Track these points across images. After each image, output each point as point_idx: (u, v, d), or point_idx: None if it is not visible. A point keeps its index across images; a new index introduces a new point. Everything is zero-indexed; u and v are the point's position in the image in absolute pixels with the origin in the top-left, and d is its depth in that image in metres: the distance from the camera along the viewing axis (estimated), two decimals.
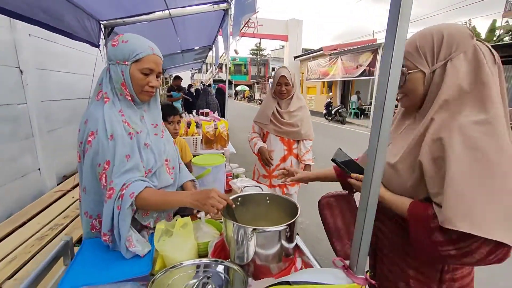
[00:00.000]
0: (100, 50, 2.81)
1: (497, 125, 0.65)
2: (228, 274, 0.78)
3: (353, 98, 13.42)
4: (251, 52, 36.22)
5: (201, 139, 2.79)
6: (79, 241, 1.90)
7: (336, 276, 0.68)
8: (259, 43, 34.46)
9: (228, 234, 0.84)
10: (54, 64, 3.23)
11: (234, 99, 34.99)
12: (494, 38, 21.13)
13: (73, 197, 2.75)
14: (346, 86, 14.87)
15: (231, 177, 1.73)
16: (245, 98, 32.28)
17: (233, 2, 3.14)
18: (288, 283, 0.69)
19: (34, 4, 1.76)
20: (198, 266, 0.81)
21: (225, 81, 4.56)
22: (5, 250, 1.85)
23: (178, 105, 7.24)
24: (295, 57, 17.65)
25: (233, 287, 0.74)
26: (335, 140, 7.93)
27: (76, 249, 0.96)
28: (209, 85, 9.80)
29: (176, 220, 0.89)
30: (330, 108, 12.79)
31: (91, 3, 2.39)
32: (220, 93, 7.16)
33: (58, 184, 3.12)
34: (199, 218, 1.06)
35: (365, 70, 10.94)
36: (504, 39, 19.47)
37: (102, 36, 2.86)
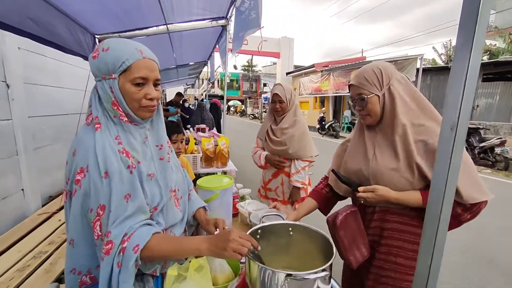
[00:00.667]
0: None
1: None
2: None
3: (347, 113, 13.65)
4: (243, 68, 36.75)
5: (201, 157, 2.63)
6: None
7: None
8: (251, 60, 35.11)
9: (252, 277, 0.71)
10: (44, 78, 3.08)
11: (227, 113, 34.97)
12: None
13: (60, 220, 2.52)
14: (338, 101, 15.16)
15: (238, 200, 1.60)
16: (237, 113, 32.74)
17: (232, 18, 3.13)
18: None
19: (26, 15, 1.66)
20: None
21: (219, 96, 4.48)
22: None
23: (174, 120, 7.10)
24: (287, 73, 17.99)
25: None
26: (329, 154, 7.83)
27: None
28: (202, 100, 9.71)
29: (190, 262, 0.74)
30: (324, 122, 12.96)
31: (86, 16, 2.30)
32: (215, 108, 7.09)
33: (43, 205, 2.89)
34: None
35: None
36: (483, 58, 20.51)
37: None
